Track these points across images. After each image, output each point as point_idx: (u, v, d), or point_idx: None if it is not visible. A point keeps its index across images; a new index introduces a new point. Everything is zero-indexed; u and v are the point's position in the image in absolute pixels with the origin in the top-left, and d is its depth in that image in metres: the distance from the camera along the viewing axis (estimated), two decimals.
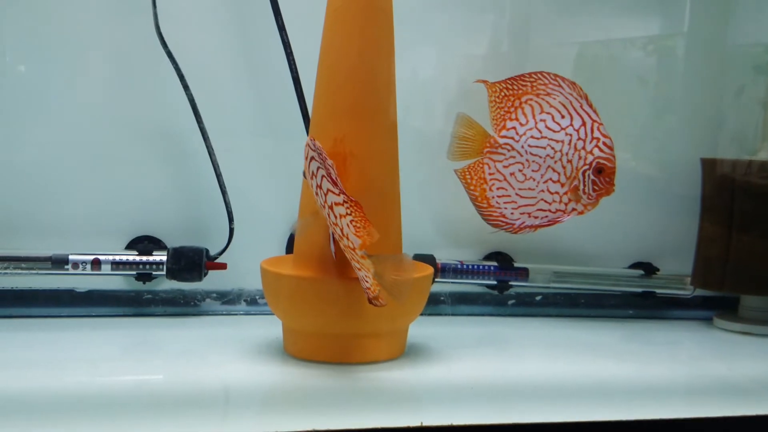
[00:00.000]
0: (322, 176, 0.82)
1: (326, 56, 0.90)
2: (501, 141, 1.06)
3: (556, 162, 1.02)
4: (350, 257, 0.82)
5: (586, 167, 1.00)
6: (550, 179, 1.02)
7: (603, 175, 1.00)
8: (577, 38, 1.23)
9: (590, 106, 1.02)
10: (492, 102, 1.07)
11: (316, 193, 0.84)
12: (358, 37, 0.88)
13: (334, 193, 0.82)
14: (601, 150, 1.00)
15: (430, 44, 1.19)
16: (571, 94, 1.02)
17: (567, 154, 1.01)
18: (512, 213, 1.06)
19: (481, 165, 1.08)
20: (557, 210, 1.03)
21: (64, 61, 1.07)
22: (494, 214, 1.06)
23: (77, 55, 1.07)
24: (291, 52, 1.07)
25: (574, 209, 1.02)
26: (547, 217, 1.04)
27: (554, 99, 1.03)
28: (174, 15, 1.07)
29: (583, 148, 1.01)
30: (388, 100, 0.91)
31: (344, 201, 0.81)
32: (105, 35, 1.08)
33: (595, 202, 1.02)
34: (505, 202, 1.06)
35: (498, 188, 1.06)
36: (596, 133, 1.00)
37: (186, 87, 1.05)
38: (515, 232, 1.06)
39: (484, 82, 1.08)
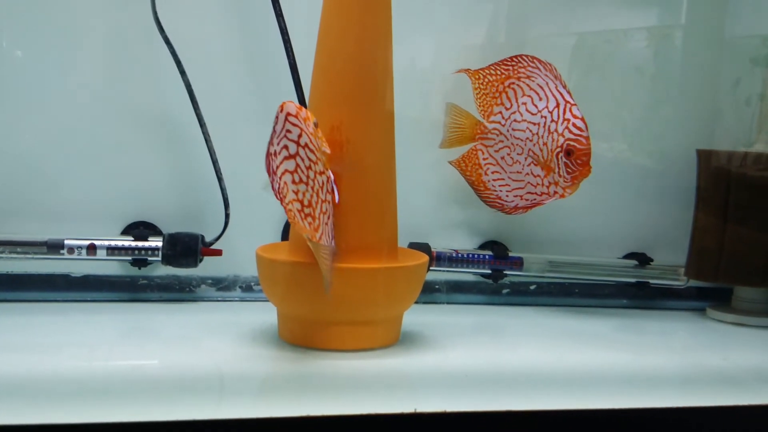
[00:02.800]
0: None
1: (324, 43, 0.90)
2: (490, 126, 1.06)
3: (534, 145, 1.02)
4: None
5: (559, 149, 0.99)
6: (533, 162, 1.02)
7: (573, 157, 0.98)
8: (575, 29, 1.23)
9: (564, 86, 1.01)
10: (477, 89, 1.08)
11: None
12: (357, 24, 0.88)
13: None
14: (570, 131, 0.98)
15: (428, 33, 1.19)
16: (547, 76, 1.01)
17: (543, 136, 1.01)
18: (507, 195, 1.07)
19: (475, 151, 1.09)
20: (542, 192, 1.03)
21: (61, 46, 1.06)
22: (491, 196, 1.07)
23: (74, 41, 1.07)
24: (288, 39, 1.06)
25: (555, 192, 1.01)
26: (534, 199, 1.04)
27: (533, 81, 1.03)
28: (171, 1, 1.07)
29: (556, 130, 1.00)
30: (386, 88, 0.91)
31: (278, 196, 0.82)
32: (102, 21, 1.07)
33: (573, 185, 1.00)
34: (500, 185, 1.07)
35: (493, 172, 1.07)
36: (567, 114, 0.99)
37: (183, 73, 1.05)
38: (509, 213, 1.07)
39: (466, 71, 1.08)
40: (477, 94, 1.08)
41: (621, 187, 1.25)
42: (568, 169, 0.99)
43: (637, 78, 1.25)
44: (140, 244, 1.05)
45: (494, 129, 1.06)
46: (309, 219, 0.82)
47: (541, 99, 1.01)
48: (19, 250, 1.02)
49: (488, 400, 0.78)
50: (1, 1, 1.05)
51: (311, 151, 0.80)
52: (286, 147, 0.80)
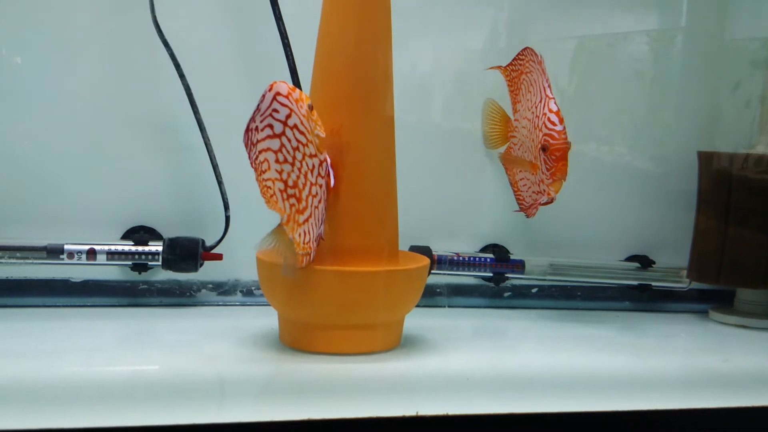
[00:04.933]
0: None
1: (323, 46, 0.90)
2: (515, 124, 1.04)
3: (531, 142, 0.99)
4: None
5: (539, 145, 0.97)
6: (531, 161, 1.00)
7: (547, 153, 0.95)
8: (575, 33, 1.23)
9: (547, 80, 0.98)
10: (508, 86, 1.04)
11: None
12: (356, 26, 0.88)
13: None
14: (546, 126, 0.95)
15: (429, 37, 1.19)
16: (539, 69, 0.99)
17: (532, 132, 0.98)
18: (527, 196, 1.04)
19: (509, 149, 1.06)
20: (537, 192, 1.00)
21: (61, 51, 1.06)
22: (521, 197, 1.05)
23: (74, 46, 1.07)
24: (288, 43, 1.06)
25: (545, 191, 0.98)
26: (536, 199, 1.02)
27: (531, 76, 1.00)
28: (171, 5, 1.07)
29: (537, 125, 0.97)
30: (386, 91, 0.90)
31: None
32: (102, 26, 1.07)
33: (553, 182, 0.96)
34: (523, 185, 1.04)
35: (519, 171, 1.04)
36: (545, 109, 0.96)
37: (182, 76, 1.05)
38: (528, 216, 1.05)
39: (498, 68, 1.06)
40: (509, 91, 1.05)
41: (622, 190, 1.24)
42: (547, 166, 0.96)
43: (638, 81, 1.25)
44: (140, 248, 1.05)
45: (516, 126, 1.03)
46: (292, 200, 0.82)
47: (534, 94, 0.99)
48: (18, 255, 1.02)
49: (490, 402, 0.78)
50: (1, 7, 1.05)
51: (301, 133, 0.80)
52: (270, 126, 0.80)
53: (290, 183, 0.81)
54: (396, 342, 0.93)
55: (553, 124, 0.95)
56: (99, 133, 1.08)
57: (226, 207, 1.07)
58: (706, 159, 1.19)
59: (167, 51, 1.04)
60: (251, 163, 0.82)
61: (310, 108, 0.81)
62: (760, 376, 0.93)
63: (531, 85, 1.00)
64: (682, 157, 1.24)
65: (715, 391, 0.87)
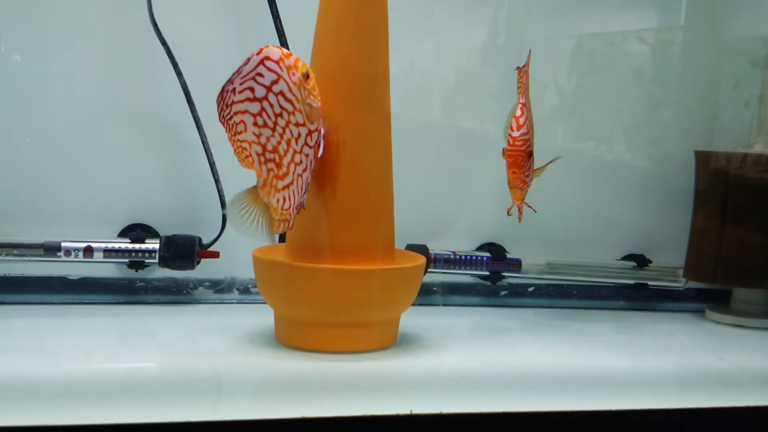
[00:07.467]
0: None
1: (320, 44, 0.90)
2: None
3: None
4: None
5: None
6: None
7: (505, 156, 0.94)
8: (574, 31, 1.23)
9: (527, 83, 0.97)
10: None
11: None
12: (352, 24, 0.88)
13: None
14: (509, 131, 0.95)
15: (428, 36, 1.19)
16: (528, 71, 0.99)
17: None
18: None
19: None
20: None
21: (59, 50, 1.06)
22: None
23: (72, 44, 1.07)
24: (285, 41, 1.06)
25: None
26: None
27: (523, 78, 1.00)
28: (168, 3, 1.07)
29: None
30: (383, 90, 0.90)
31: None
32: (100, 24, 1.07)
33: (510, 187, 0.95)
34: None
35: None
36: (512, 115, 0.96)
37: (179, 74, 1.05)
38: (520, 219, 1.04)
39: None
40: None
41: (620, 188, 1.24)
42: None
43: (637, 80, 1.25)
44: (137, 246, 1.05)
45: None
46: (271, 164, 0.82)
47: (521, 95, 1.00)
48: (15, 252, 1.02)
49: (485, 401, 0.78)
50: (1, 4, 1.04)
51: (287, 100, 0.80)
52: (251, 89, 0.79)
53: (269, 147, 0.81)
54: (392, 340, 0.93)
55: (511, 128, 0.94)
56: (96, 131, 1.08)
57: (223, 205, 1.07)
58: (703, 158, 1.19)
59: (165, 49, 1.04)
60: (221, 122, 0.81)
61: (306, 76, 0.81)
62: (756, 376, 0.93)
63: (525, 86, 1.00)
64: (680, 156, 1.24)
65: (711, 391, 0.87)
